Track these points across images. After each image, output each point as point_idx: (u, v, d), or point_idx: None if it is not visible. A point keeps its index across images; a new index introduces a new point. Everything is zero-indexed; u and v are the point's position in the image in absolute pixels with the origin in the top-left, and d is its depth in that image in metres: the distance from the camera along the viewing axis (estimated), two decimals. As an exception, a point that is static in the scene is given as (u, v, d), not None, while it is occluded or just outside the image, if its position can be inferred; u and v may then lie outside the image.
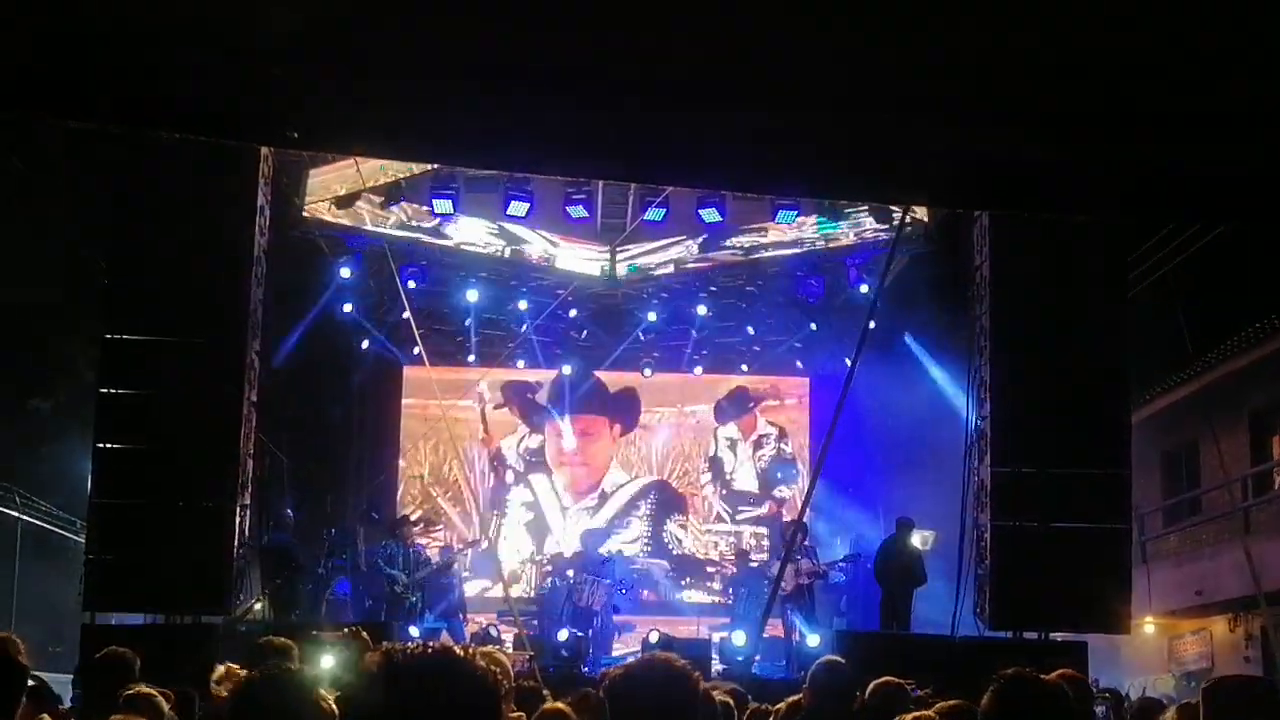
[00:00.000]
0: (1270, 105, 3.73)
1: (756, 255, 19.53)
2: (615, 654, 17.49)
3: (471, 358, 21.72)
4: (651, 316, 20.70)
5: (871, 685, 6.00)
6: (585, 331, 21.36)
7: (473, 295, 19.96)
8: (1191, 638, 21.37)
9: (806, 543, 17.37)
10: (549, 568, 20.35)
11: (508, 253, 19.44)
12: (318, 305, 18.52)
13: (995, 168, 4.28)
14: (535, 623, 18.29)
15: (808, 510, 17.27)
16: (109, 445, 12.89)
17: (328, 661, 5.32)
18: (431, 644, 2.45)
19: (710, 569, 22.60)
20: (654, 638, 16.69)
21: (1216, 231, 16.75)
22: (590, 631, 17.15)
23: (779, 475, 23.06)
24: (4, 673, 4.02)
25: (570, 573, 18.19)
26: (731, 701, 6.17)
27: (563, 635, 16.69)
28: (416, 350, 20.75)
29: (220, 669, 5.44)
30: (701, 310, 20.53)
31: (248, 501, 13.34)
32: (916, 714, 5.22)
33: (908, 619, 15.62)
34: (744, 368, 22.38)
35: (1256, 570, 14.91)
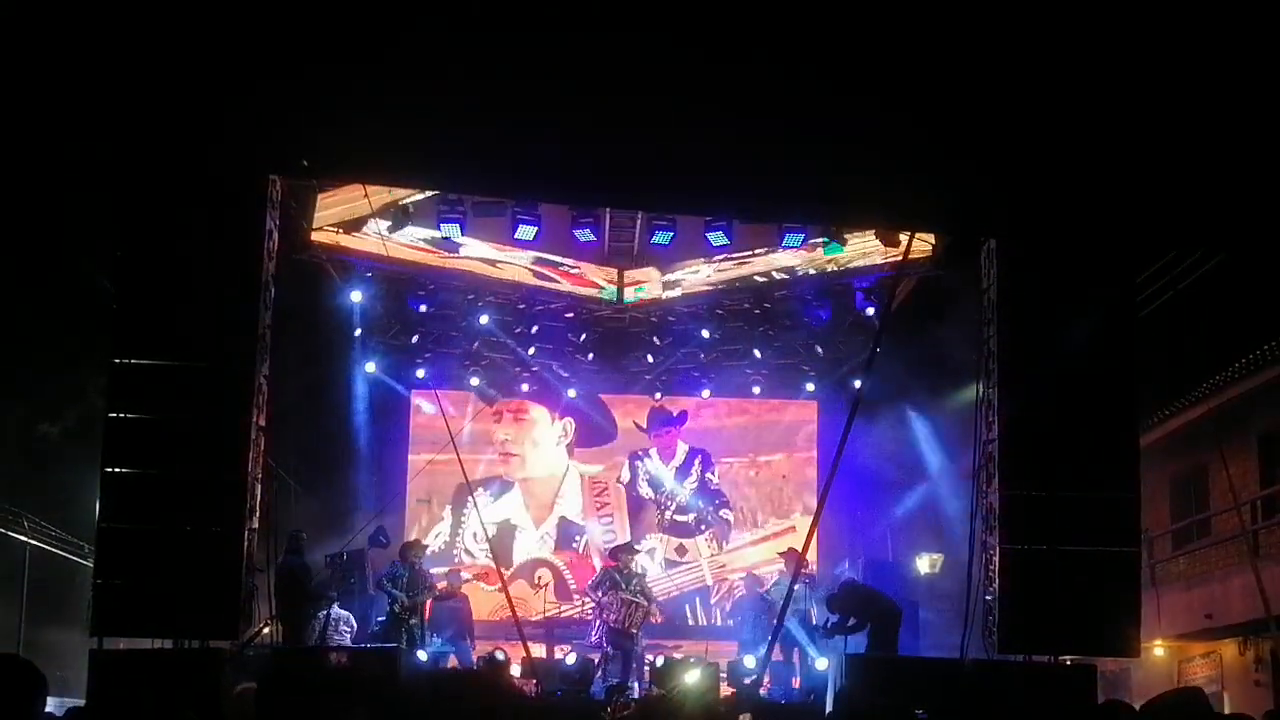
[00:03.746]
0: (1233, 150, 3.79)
1: (763, 279, 19.54)
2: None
3: (478, 381, 21.83)
4: (657, 340, 20.73)
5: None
6: (592, 355, 21.38)
7: (480, 319, 20.03)
8: (1201, 661, 21.26)
9: (806, 571, 17.38)
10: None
11: (515, 276, 19.48)
12: (326, 329, 18.55)
13: (993, 198, 4.33)
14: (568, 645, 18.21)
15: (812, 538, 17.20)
16: (117, 470, 12.90)
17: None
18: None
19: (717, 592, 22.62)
20: (659, 662, 16.65)
21: (1221, 255, 16.76)
22: (616, 655, 16.92)
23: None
24: (25, 686, 4.06)
25: (600, 592, 17.72)
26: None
27: (571, 659, 16.63)
28: (423, 374, 20.87)
29: (241, 685, 5.42)
30: (709, 334, 20.58)
31: (255, 526, 13.33)
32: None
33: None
34: (755, 390, 22.36)
35: (1266, 594, 14.85)
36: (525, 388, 22.20)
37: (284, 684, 12.19)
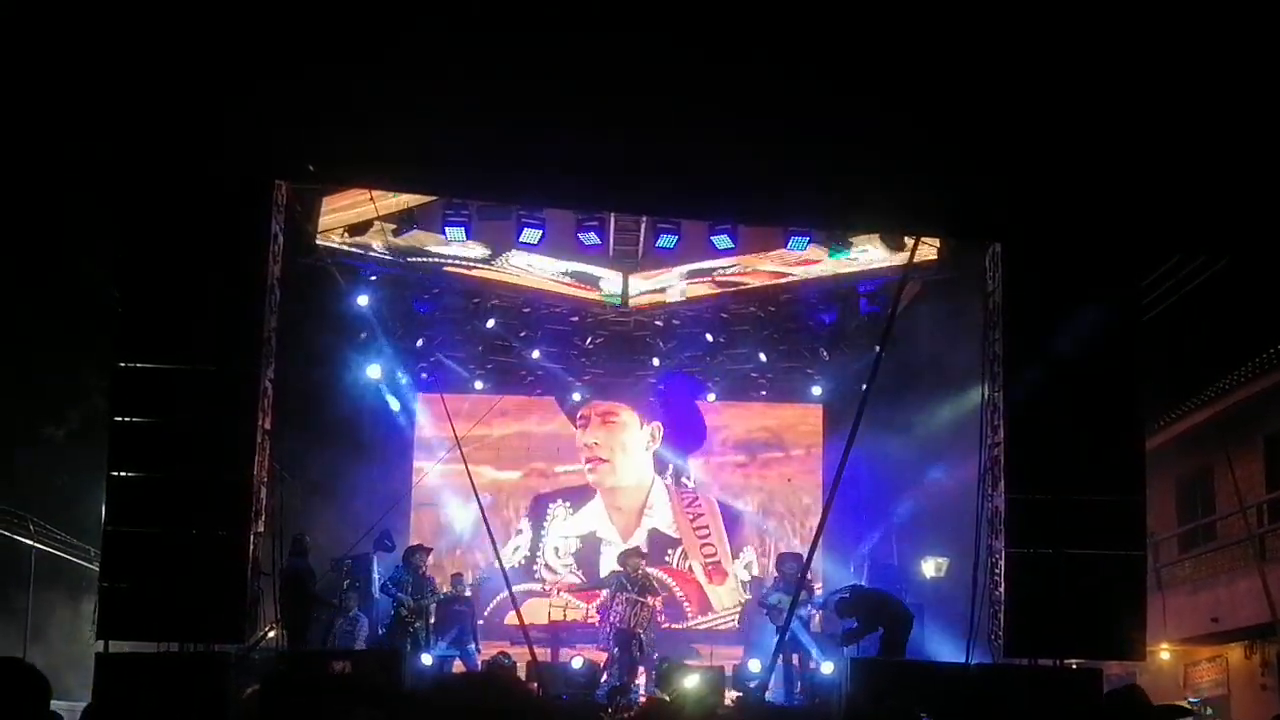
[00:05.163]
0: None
1: (768, 283, 19.52)
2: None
3: (482, 385, 21.82)
4: (662, 344, 20.72)
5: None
6: (596, 359, 21.38)
7: (485, 323, 20.05)
8: (1207, 665, 21.21)
9: (808, 578, 17.34)
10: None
11: (520, 280, 19.49)
12: (330, 333, 18.56)
13: (997, 200, 4.34)
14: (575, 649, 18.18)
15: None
16: (122, 474, 12.91)
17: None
18: None
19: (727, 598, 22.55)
20: (664, 665, 16.61)
21: (1226, 259, 16.73)
22: (621, 657, 16.87)
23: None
24: (29, 691, 4.08)
25: (606, 592, 17.64)
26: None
27: (577, 663, 16.61)
28: (428, 377, 20.88)
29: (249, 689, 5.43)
30: (713, 337, 20.56)
31: (261, 529, 13.34)
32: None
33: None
34: (761, 394, 22.32)
35: (1273, 597, 14.83)
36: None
37: (288, 686, 12.26)
